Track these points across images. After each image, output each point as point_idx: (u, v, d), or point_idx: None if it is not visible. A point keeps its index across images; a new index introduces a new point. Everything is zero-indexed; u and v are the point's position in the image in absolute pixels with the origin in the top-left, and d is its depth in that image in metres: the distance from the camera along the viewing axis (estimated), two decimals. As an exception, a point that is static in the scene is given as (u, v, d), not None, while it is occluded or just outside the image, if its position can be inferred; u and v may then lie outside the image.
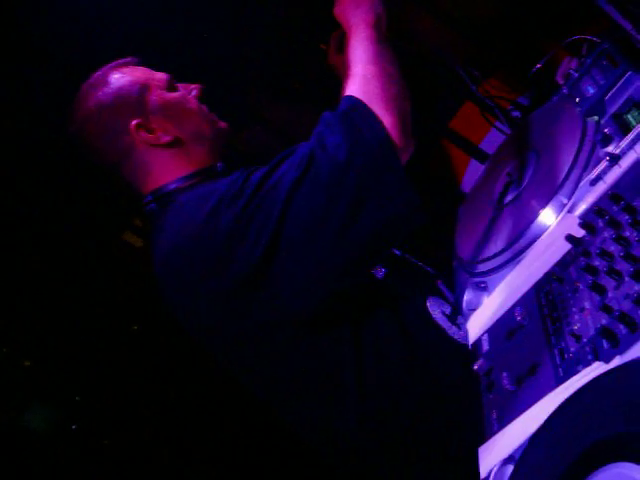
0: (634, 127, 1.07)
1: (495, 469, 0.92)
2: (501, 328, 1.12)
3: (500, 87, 1.88)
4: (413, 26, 1.79)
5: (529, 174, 1.31)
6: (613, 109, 1.17)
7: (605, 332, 0.83)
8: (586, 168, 1.14)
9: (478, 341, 1.17)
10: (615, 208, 0.97)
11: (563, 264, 1.04)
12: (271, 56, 2.14)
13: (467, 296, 1.30)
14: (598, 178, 1.07)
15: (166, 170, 1.32)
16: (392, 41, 1.20)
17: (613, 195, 0.99)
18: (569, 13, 1.60)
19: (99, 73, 1.38)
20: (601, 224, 0.98)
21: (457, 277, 1.40)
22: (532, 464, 0.83)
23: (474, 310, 1.25)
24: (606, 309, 0.86)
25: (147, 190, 1.33)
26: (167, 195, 1.30)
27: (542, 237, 1.16)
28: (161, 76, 1.38)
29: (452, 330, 1.25)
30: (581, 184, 1.13)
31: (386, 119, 1.08)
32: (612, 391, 0.75)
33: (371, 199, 1.06)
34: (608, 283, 0.90)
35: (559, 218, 1.14)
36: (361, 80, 1.13)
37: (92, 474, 2.34)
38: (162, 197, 1.31)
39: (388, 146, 1.06)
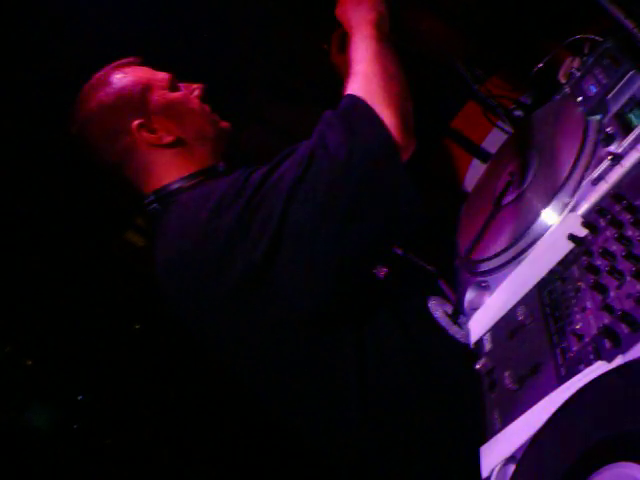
0: (636, 126, 1.07)
1: (497, 468, 0.92)
2: (503, 327, 1.12)
3: (502, 86, 1.88)
4: (415, 25, 1.78)
5: (531, 173, 1.31)
6: (615, 108, 1.17)
7: (607, 331, 0.83)
8: (588, 167, 1.14)
9: (480, 340, 1.17)
10: (617, 207, 0.97)
11: (565, 263, 1.04)
12: (272, 56, 2.14)
13: (469, 295, 1.30)
14: (600, 177, 1.07)
15: (168, 170, 1.32)
16: (394, 40, 1.20)
17: (615, 194, 0.99)
18: (571, 12, 1.60)
19: (101, 73, 1.38)
20: (603, 223, 0.98)
21: (459, 276, 1.40)
22: (534, 464, 0.83)
23: (476, 309, 1.25)
24: (608, 309, 0.86)
25: (149, 190, 1.33)
26: (169, 195, 1.31)
27: (544, 236, 1.16)
28: (163, 76, 1.38)
29: (453, 330, 1.25)
30: (583, 183, 1.13)
31: (387, 118, 1.08)
32: (614, 390, 0.75)
33: (372, 198, 1.06)
34: (610, 283, 0.90)
35: (561, 217, 1.14)
36: (362, 79, 1.13)
37: (93, 473, 2.34)
38: (164, 197, 1.31)
39: (389, 145, 1.06)
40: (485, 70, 1.87)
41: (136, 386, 2.43)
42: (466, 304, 1.29)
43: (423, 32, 1.78)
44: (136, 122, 1.30)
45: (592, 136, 1.18)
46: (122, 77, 1.35)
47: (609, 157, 1.06)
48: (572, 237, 1.02)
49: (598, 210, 1.01)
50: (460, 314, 1.29)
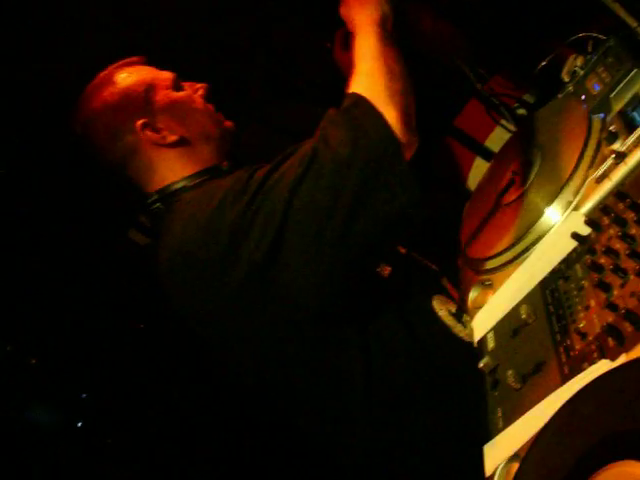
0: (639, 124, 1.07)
1: (500, 466, 0.92)
2: (506, 326, 1.12)
3: (505, 85, 1.87)
4: (418, 25, 1.78)
5: (534, 172, 1.31)
6: (618, 107, 1.16)
7: (610, 330, 0.83)
8: (591, 166, 1.14)
9: (483, 339, 1.17)
10: (621, 206, 0.97)
11: (568, 262, 1.04)
12: (273, 55, 2.14)
13: (472, 294, 1.30)
14: (604, 176, 1.07)
15: (172, 169, 1.33)
16: (398, 39, 1.20)
17: (618, 193, 0.99)
18: (574, 10, 1.60)
19: (105, 72, 1.38)
20: (607, 222, 0.98)
21: (462, 275, 1.40)
22: (537, 462, 0.83)
23: (479, 308, 1.25)
24: (612, 307, 0.86)
25: (153, 189, 1.33)
26: (172, 194, 1.31)
27: (547, 235, 1.16)
28: (167, 75, 1.38)
29: (457, 328, 1.25)
30: (586, 182, 1.13)
31: (389, 115, 1.08)
32: (618, 389, 0.75)
33: (375, 194, 1.06)
34: (614, 281, 0.89)
35: (564, 216, 1.14)
36: (365, 77, 1.13)
37: (95, 472, 2.35)
38: (167, 196, 1.31)
39: (391, 141, 1.07)
40: (488, 68, 1.87)
41: (139, 385, 2.44)
42: (470, 302, 1.29)
43: (426, 31, 1.78)
44: (140, 121, 1.31)
45: (595, 134, 1.17)
46: (126, 77, 1.35)
47: (612, 155, 1.05)
48: (575, 235, 1.02)
49: (602, 208, 1.01)
50: (464, 313, 1.29)
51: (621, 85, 1.17)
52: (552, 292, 1.04)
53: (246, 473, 2.43)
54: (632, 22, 1.18)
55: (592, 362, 0.85)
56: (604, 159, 1.10)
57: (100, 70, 1.39)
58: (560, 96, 1.41)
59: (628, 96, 1.15)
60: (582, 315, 0.93)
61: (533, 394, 0.94)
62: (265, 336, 1.17)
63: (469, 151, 2.05)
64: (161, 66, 1.42)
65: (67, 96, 1.39)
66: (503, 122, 1.91)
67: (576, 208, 1.12)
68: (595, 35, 1.33)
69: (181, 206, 1.26)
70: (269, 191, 1.10)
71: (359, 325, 1.19)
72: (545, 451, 0.82)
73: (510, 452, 0.92)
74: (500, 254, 1.25)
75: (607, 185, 1.06)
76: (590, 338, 0.89)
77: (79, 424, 2.37)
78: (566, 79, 1.39)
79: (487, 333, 1.16)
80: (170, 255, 1.22)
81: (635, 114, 1.11)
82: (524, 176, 1.34)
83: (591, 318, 0.91)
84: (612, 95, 1.19)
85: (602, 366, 0.83)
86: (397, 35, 1.21)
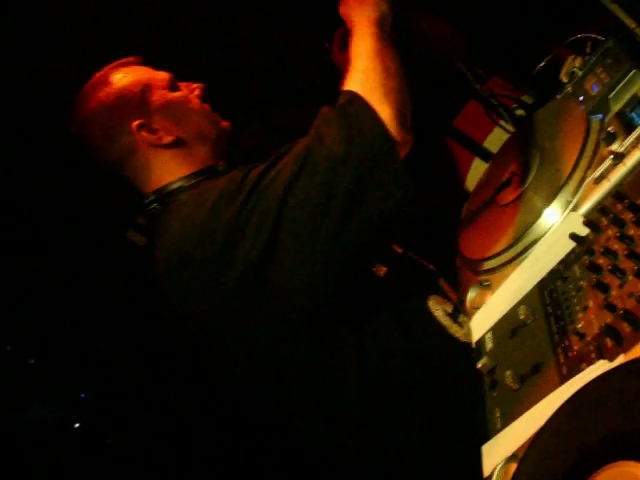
0: (638, 125, 1.07)
1: (498, 467, 0.92)
2: (505, 327, 1.12)
3: (504, 85, 1.87)
4: (417, 25, 1.78)
5: (532, 172, 1.31)
6: (617, 107, 1.16)
7: (609, 330, 0.83)
8: (590, 167, 1.14)
9: (481, 340, 1.17)
10: (619, 206, 0.97)
11: (567, 262, 1.04)
12: (272, 55, 2.14)
13: (471, 294, 1.30)
14: (602, 176, 1.07)
15: (168, 170, 1.33)
16: (396, 40, 1.20)
17: (617, 194, 0.99)
18: (573, 11, 1.60)
19: (101, 73, 1.38)
20: (605, 222, 0.98)
21: (461, 276, 1.40)
22: (535, 462, 0.83)
23: (477, 309, 1.25)
24: (610, 307, 0.86)
25: (149, 190, 1.33)
26: (169, 195, 1.31)
27: (546, 236, 1.16)
28: (163, 76, 1.38)
29: (453, 329, 1.25)
30: (585, 183, 1.13)
31: (384, 113, 1.08)
32: (616, 389, 0.75)
33: (369, 192, 1.06)
34: (612, 281, 0.89)
35: (563, 216, 1.14)
36: (360, 75, 1.13)
37: (94, 472, 2.34)
38: (164, 197, 1.31)
39: (385, 139, 1.06)
40: (487, 69, 1.87)
41: (137, 385, 2.44)
42: (468, 303, 1.29)
43: (425, 32, 1.78)
44: (136, 122, 1.30)
45: (594, 135, 1.18)
46: (122, 77, 1.35)
47: (611, 156, 1.05)
48: (574, 236, 1.02)
49: (600, 209, 1.01)
50: (460, 313, 1.29)
51: (620, 86, 1.17)
52: (550, 293, 1.04)
53: (242, 473, 2.43)
54: (631, 23, 1.19)
55: (590, 363, 0.85)
56: (602, 160, 1.10)
57: (96, 70, 1.39)
58: (559, 97, 1.41)
59: (627, 97, 1.15)
60: (580, 316, 0.93)
61: (531, 395, 0.94)
62: (260, 336, 1.17)
63: (468, 152, 2.05)
64: (161, 66, 1.42)
65: (67, 96, 1.39)
66: (502, 123, 1.91)
67: (574, 209, 1.12)
68: (594, 36, 1.34)
69: (177, 206, 1.26)
70: (264, 190, 1.10)
71: (354, 325, 1.18)
72: (543, 452, 0.82)
73: (508, 452, 0.92)
74: (498, 255, 1.25)
75: (605, 186, 1.06)
76: (588, 339, 0.89)
77: (76, 425, 2.36)
78: (565, 80, 1.39)
79: (485, 333, 1.16)
80: (166, 255, 1.22)
81: (634, 115, 1.11)
82: (523, 177, 1.34)
83: (589, 319, 0.91)
84: (611, 96, 1.19)
85: (600, 367, 0.83)
86: (396, 35, 1.21)
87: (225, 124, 1.42)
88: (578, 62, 1.36)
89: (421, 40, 1.78)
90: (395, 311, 1.23)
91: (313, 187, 1.06)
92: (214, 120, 1.39)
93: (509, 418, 0.96)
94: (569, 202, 1.14)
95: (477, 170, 1.98)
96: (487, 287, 1.26)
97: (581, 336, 0.90)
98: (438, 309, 1.27)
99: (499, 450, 0.94)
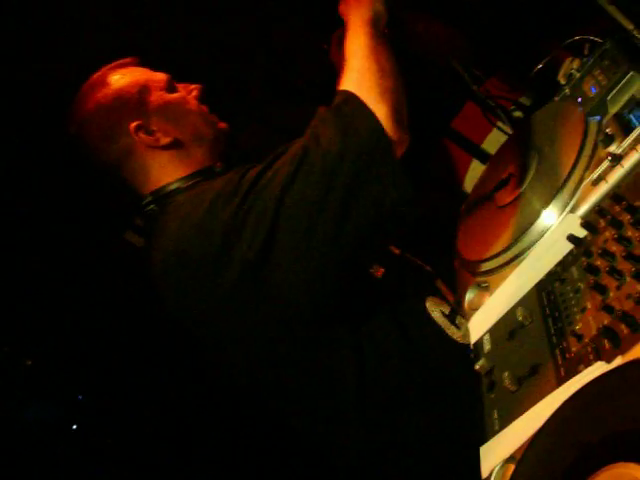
0: (635, 127, 1.07)
1: (496, 469, 0.92)
2: (503, 328, 1.12)
3: (501, 87, 1.88)
4: (414, 26, 1.79)
5: (530, 174, 1.31)
6: (615, 109, 1.17)
7: (607, 332, 0.83)
8: (587, 168, 1.14)
9: (479, 341, 1.17)
10: (617, 208, 0.97)
11: (565, 264, 1.04)
12: (272, 55, 2.14)
13: (469, 296, 1.30)
14: (600, 178, 1.07)
15: (165, 171, 1.33)
16: (393, 40, 1.20)
17: (615, 195, 0.99)
18: (570, 13, 1.60)
19: (98, 74, 1.38)
20: (603, 224, 0.98)
21: (459, 277, 1.40)
22: (533, 464, 0.83)
23: (476, 310, 1.25)
24: (608, 309, 0.86)
25: (146, 191, 1.33)
26: (166, 196, 1.31)
27: (544, 237, 1.16)
28: (161, 77, 1.38)
29: (451, 330, 1.25)
30: (583, 184, 1.13)
31: (380, 111, 1.08)
32: (614, 391, 0.75)
33: (365, 191, 1.06)
34: (610, 283, 0.90)
35: (561, 218, 1.14)
36: (355, 74, 1.13)
37: (94, 474, 2.34)
38: (161, 198, 1.31)
39: (381, 138, 1.07)
40: (484, 71, 1.87)
41: (135, 386, 2.43)
42: (466, 304, 1.29)
43: (421, 33, 1.78)
44: (134, 124, 1.30)
45: (592, 137, 1.18)
46: (120, 78, 1.35)
47: (609, 158, 1.06)
48: (572, 238, 1.02)
49: (598, 211, 1.01)
50: (458, 314, 1.29)
51: (617, 88, 1.17)
52: (548, 294, 1.04)
53: (242, 473, 2.43)
54: (628, 25, 1.19)
55: (588, 364, 0.85)
56: (600, 161, 1.10)
57: (94, 71, 1.39)
58: (556, 99, 1.42)
59: (624, 99, 1.16)
60: (578, 317, 0.93)
61: (529, 396, 0.94)
62: (258, 336, 1.17)
63: (466, 153, 2.05)
64: (160, 66, 1.42)
65: (66, 96, 1.39)
66: (500, 124, 1.91)
67: (572, 210, 1.12)
68: (591, 38, 1.34)
69: (175, 208, 1.26)
70: (261, 190, 1.10)
71: (352, 326, 1.19)
72: (541, 453, 0.83)
73: (506, 454, 0.92)
74: (496, 256, 1.25)
75: (603, 187, 1.06)
76: (586, 340, 0.89)
77: (74, 427, 2.36)
78: (562, 82, 1.39)
79: (483, 335, 1.17)
80: (164, 256, 1.22)
81: (631, 116, 1.11)
82: (520, 178, 1.34)
83: (587, 320, 0.91)
84: (608, 98, 1.19)
85: (598, 368, 0.83)
86: (392, 37, 1.21)
87: (223, 125, 1.42)
88: (576, 64, 1.36)
89: (418, 42, 1.78)
90: (392, 312, 1.23)
91: (310, 187, 1.06)
92: (212, 121, 1.39)
93: (507, 420, 0.97)
94: (567, 204, 1.14)
95: (475, 172, 1.98)
96: (485, 288, 1.27)
97: (579, 338, 0.90)
98: (436, 310, 1.27)
99: (497, 452, 0.95)
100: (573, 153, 1.18)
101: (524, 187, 1.31)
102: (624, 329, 0.81)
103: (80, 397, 2.41)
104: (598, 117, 1.20)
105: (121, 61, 1.40)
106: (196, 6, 2.04)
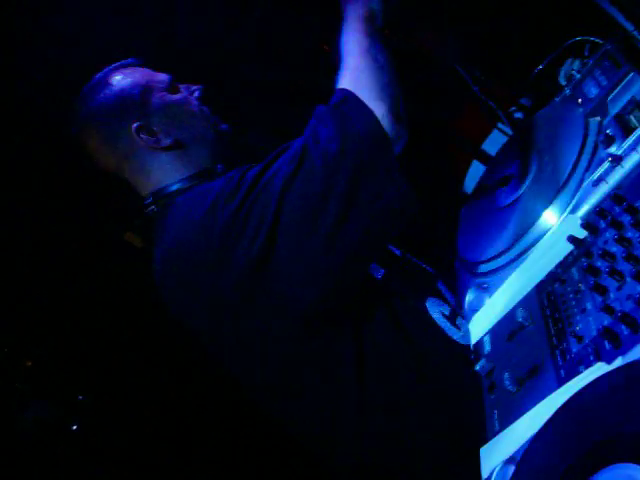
0: (636, 128, 1.07)
1: (497, 469, 0.92)
2: (503, 329, 1.12)
3: (502, 88, 1.88)
4: (412, 27, 1.79)
5: (531, 175, 1.31)
6: (615, 110, 1.17)
7: (607, 333, 0.83)
8: (588, 169, 1.14)
9: (480, 342, 1.17)
10: (617, 209, 0.97)
11: (565, 265, 1.04)
12: (273, 56, 2.14)
13: (469, 297, 1.30)
14: (600, 179, 1.08)
15: (166, 172, 1.33)
16: (391, 39, 1.20)
17: (615, 196, 0.99)
18: (572, 14, 1.60)
19: (101, 75, 1.38)
20: (603, 225, 0.98)
21: (459, 278, 1.40)
22: (534, 465, 0.83)
23: (476, 311, 1.25)
24: (608, 310, 0.86)
25: (148, 192, 1.34)
26: (167, 197, 1.31)
27: (544, 238, 1.16)
28: (163, 77, 1.38)
29: (451, 331, 1.25)
30: (583, 185, 1.13)
31: (377, 109, 1.08)
32: (614, 392, 0.75)
33: (364, 189, 1.06)
34: (610, 284, 0.90)
35: (561, 219, 1.14)
36: (352, 72, 1.13)
37: (93, 474, 2.34)
38: (162, 199, 1.31)
39: (379, 136, 1.07)
40: (485, 72, 1.87)
41: (136, 387, 2.44)
42: (466, 305, 1.30)
43: (424, 33, 1.78)
44: (135, 125, 1.31)
45: (592, 138, 1.18)
46: (122, 79, 1.35)
47: (609, 158, 1.06)
48: (572, 239, 1.02)
49: (598, 211, 1.01)
50: (458, 315, 1.29)
51: (618, 89, 1.18)
52: (548, 295, 1.04)
53: (242, 473, 2.43)
54: (629, 26, 1.19)
55: (588, 365, 0.85)
56: (601, 162, 1.10)
57: (96, 72, 1.39)
58: (557, 99, 1.42)
59: (625, 99, 1.16)
60: (578, 318, 0.93)
61: (529, 397, 0.94)
62: (258, 337, 1.17)
63: (466, 154, 2.05)
64: (160, 67, 1.42)
65: (67, 96, 1.39)
66: (500, 125, 1.91)
67: (573, 211, 1.12)
68: (592, 39, 1.34)
69: (175, 208, 1.26)
70: (261, 191, 1.10)
71: (352, 327, 1.19)
72: (541, 454, 0.83)
73: (507, 455, 0.92)
74: (497, 257, 1.25)
75: (604, 188, 1.06)
76: (587, 341, 0.89)
77: (74, 427, 2.36)
78: (563, 83, 1.40)
79: (483, 336, 1.17)
80: (165, 257, 1.22)
81: (632, 117, 1.11)
82: (521, 179, 1.34)
83: (587, 321, 0.91)
84: (609, 98, 1.19)
85: (598, 369, 0.83)
86: (393, 37, 1.21)
87: (224, 126, 1.42)
88: (576, 65, 1.36)
89: (419, 42, 1.78)
90: (393, 313, 1.23)
91: (310, 185, 1.06)
92: (213, 122, 1.39)
93: (507, 420, 0.97)
94: (567, 205, 1.14)
95: (475, 172, 1.98)
96: (485, 289, 1.27)
97: (579, 338, 0.90)
98: (436, 311, 1.27)
99: (497, 452, 0.95)
100: (574, 154, 1.18)
101: (524, 188, 1.31)
102: (625, 330, 0.82)
103: (80, 397, 2.41)
104: (599, 118, 1.20)
105: (123, 62, 1.40)
106: (196, 6, 2.05)
